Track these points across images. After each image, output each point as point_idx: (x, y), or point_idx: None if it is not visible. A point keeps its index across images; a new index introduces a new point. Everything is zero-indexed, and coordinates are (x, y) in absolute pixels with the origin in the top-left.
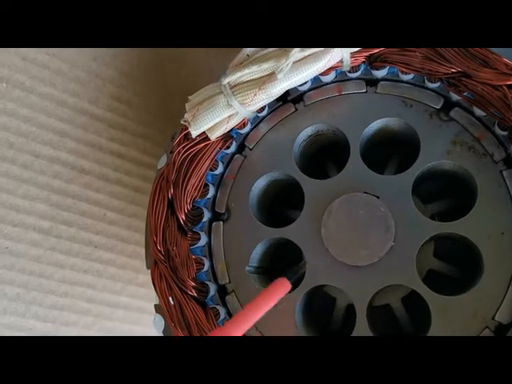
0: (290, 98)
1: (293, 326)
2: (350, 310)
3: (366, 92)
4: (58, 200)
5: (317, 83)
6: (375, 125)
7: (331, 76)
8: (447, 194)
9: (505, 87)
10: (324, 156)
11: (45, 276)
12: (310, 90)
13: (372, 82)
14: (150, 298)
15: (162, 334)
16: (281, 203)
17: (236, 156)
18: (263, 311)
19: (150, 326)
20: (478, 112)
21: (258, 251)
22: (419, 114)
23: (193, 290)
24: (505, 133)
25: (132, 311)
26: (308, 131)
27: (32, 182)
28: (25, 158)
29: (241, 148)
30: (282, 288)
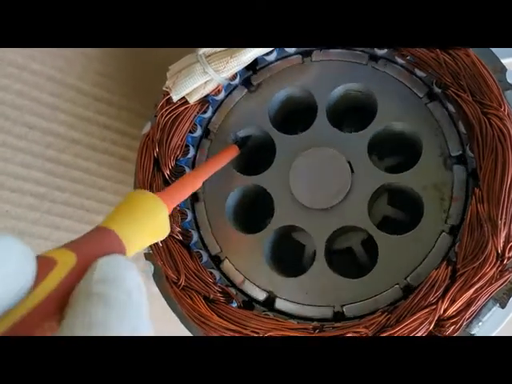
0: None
1: (261, 260)
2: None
3: (331, 60)
4: (51, 168)
5: (282, 53)
6: (340, 89)
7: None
8: (399, 151)
9: (437, 49)
10: (294, 117)
11: (43, 237)
12: (277, 60)
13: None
14: (139, 255)
15: (151, 278)
16: (256, 160)
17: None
18: (217, 168)
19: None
20: (420, 73)
21: (234, 197)
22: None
23: (178, 234)
24: (439, 90)
25: None
26: (281, 94)
27: (27, 151)
28: (20, 130)
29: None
30: (231, 152)
